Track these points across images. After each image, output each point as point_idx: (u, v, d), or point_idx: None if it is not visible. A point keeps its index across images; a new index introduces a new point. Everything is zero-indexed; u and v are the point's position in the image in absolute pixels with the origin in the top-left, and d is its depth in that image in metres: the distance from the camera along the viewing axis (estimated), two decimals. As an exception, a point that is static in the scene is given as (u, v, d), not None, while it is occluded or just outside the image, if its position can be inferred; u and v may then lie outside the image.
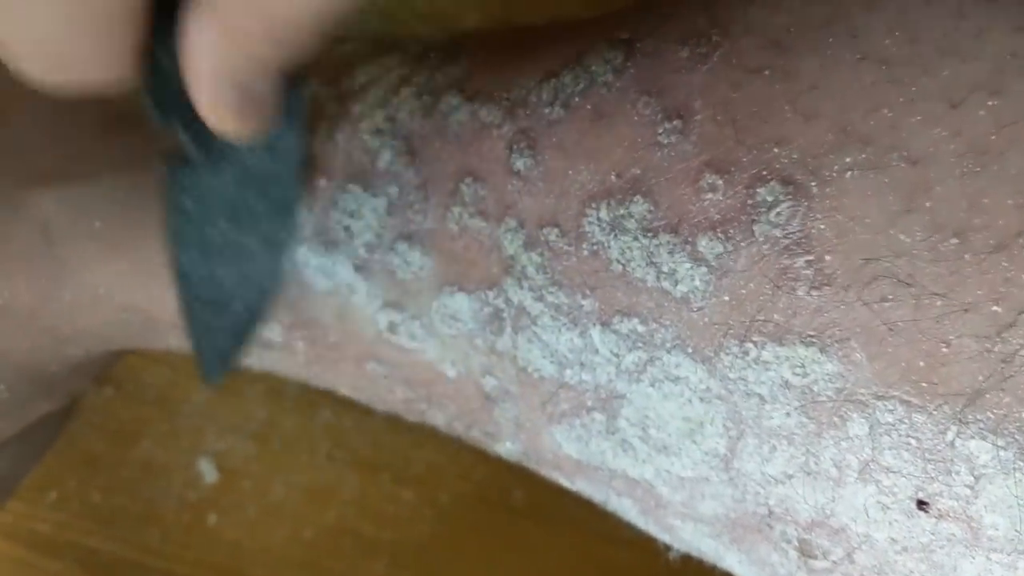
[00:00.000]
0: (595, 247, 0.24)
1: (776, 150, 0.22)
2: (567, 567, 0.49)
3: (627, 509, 0.27)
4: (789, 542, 0.24)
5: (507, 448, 0.29)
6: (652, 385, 0.24)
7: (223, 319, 0.30)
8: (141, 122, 0.32)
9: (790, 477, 0.23)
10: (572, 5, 0.42)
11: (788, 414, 0.22)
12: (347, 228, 0.28)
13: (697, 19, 0.25)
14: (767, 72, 0.23)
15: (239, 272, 0.29)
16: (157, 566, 0.43)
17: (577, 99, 0.25)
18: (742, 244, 0.22)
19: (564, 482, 0.28)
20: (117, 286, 0.31)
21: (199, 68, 0.21)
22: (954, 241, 0.20)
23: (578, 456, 0.27)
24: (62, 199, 0.31)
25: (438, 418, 0.30)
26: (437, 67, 0.29)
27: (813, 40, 0.23)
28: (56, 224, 0.30)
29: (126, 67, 0.21)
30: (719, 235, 0.23)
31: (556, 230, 0.25)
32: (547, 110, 0.25)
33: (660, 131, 0.24)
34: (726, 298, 0.23)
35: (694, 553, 0.27)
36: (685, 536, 0.26)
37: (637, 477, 0.26)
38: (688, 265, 0.23)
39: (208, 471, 0.44)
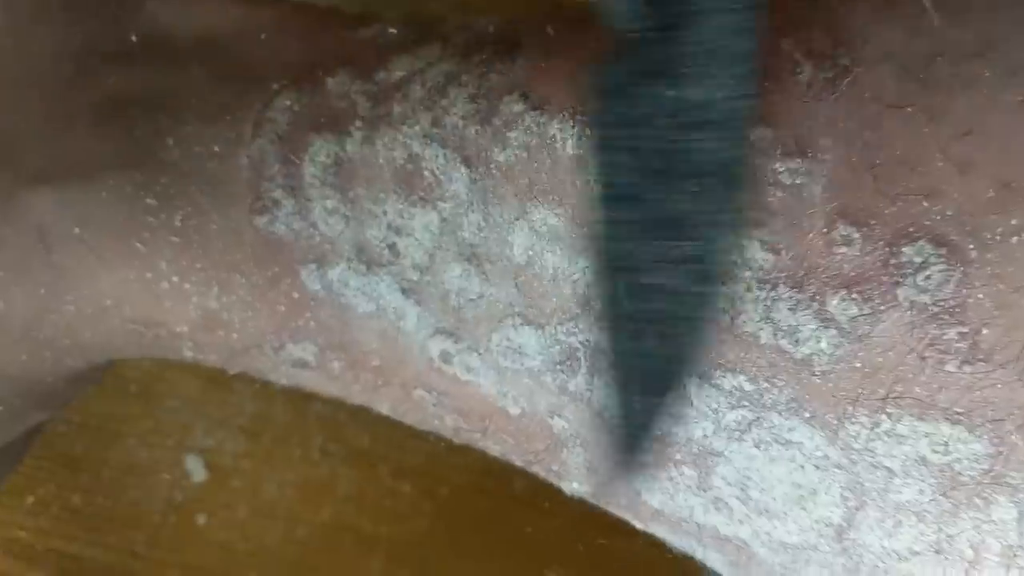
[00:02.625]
0: None
1: (925, 204, 0.20)
2: (569, 557, 0.47)
3: (713, 560, 0.25)
4: (906, 615, 0.22)
5: (573, 487, 0.27)
6: (757, 447, 0.22)
7: (655, 348, 0.20)
8: (146, 111, 0.29)
9: (916, 554, 0.21)
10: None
11: (921, 491, 0.21)
12: (392, 246, 0.26)
13: (813, 32, 0.22)
14: (910, 110, 0.20)
15: (679, 257, 0.19)
16: (144, 571, 0.41)
17: None
18: (882, 308, 0.20)
19: (638, 525, 0.26)
20: (125, 297, 0.28)
21: None
22: None
23: (660, 507, 0.25)
24: (59, 201, 0.27)
25: (493, 449, 0.28)
26: (490, 65, 0.26)
27: (964, 74, 0.20)
28: (54, 229, 0.27)
29: None
30: (854, 296, 0.20)
31: None
32: None
33: (781, 168, 0.21)
34: (858, 365, 0.21)
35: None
36: (779, 592, 0.25)
37: (730, 535, 0.24)
38: (813, 325, 0.21)
39: (196, 469, 0.42)
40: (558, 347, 0.24)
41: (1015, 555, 0.20)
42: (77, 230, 0.27)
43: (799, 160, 0.21)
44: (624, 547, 0.47)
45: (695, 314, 0.20)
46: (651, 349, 0.20)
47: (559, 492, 0.44)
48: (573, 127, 0.23)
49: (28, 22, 0.30)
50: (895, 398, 0.20)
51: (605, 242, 0.19)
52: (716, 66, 0.19)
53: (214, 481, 0.41)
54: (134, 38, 0.30)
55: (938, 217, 0.20)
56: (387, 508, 0.43)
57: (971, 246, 0.20)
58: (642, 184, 0.19)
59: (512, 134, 0.24)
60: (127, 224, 0.27)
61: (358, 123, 0.26)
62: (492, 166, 0.24)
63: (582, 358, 0.24)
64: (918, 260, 0.20)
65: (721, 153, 0.19)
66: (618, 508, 0.26)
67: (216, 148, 0.28)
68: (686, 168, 0.19)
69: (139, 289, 0.27)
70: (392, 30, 0.30)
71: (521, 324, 0.25)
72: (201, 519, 0.41)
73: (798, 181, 0.21)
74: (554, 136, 0.24)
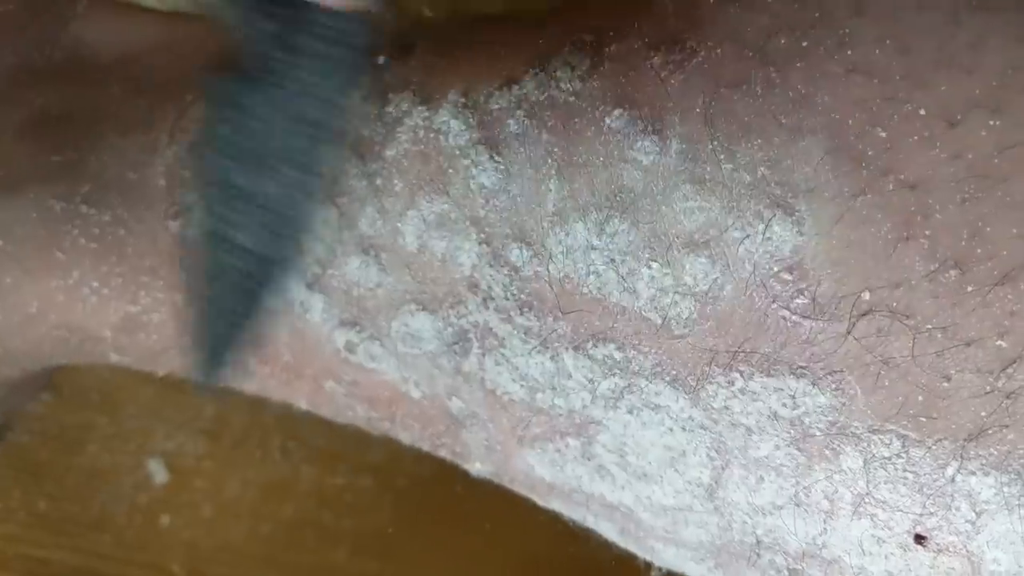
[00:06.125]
0: (567, 268, 0.23)
1: (763, 170, 0.21)
2: (526, 538, 0.48)
3: (606, 530, 0.26)
4: (779, 571, 0.23)
5: (477, 468, 0.28)
6: (630, 412, 0.23)
7: (234, 289, 0.24)
8: (69, 125, 0.30)
9: (779, 508, 0.22)
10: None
11: (777, 446, 0.21)
12: (296, 242, 0.27)
13: (667, 20, 0.23)
14: (750, 82, 0.21)
15: (263, 225, 0.24)
16: (111, 572, 0.41)
17: (542, 109, 0.23)
18: (729, 269, 0.21)
19: (539, 501, 0.27)
20: (50, 305, 0.29)
21: None
22: (955, 272, 0.19)
23: (552, 480, 0.26)
24: None
25: (402, 436, 0.29)
26: (386, 66, 0.27)
27: (798, 47, 0.21)
28: None
29: None
30: (703, 259, 0.21)
31: (525, 249, 0.23)
32: (510, 120, 0.24)
33: (636, 145, 0.22)
34: (711, 325, 0.21)
35: (676, 571, 0.26)
36: (667, 558, 0.25)
37: (615, 502, 0.25)
38: (671, 290, 0.22)
39: (158, 472, 0.42)
40: (450, 330, 0.25)
41: (863, 502, 0.21)
42: (0, 242, 0.28)
43: (653, 137, 0.22)
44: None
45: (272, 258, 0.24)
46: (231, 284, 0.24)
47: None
48: (457, 119, 0.25)
49: None
50: (745, 356, 0.21)
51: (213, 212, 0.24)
52: (319, 75, 0.22)
53: (177, 483, 0.42)
54: (58, 57, 0.31)
55: (775, 181, 0.21)
56: (348, 502, 0.44)
57: (805, 207, 0.20)
58: (241, 171, 0.23)
59: (401, 129, 0.25)
60: (49, 235, 0.28)
61: None
62: (384, 161, 0.25)
63: (473, 339, 0.25)
64: (759, 223, 0.21)
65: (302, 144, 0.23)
66: (519, 486, 0.27)
67: (134, 158, 0.29)
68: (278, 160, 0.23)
69: (62, 296, 0.28)
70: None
71: (417, 310, 0.25)
72: (165, 520, 0.42)
73: (651, 157, 0.22)
74: (439, 128, 0.25)
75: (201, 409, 0.43)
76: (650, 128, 0.22)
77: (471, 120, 0.24)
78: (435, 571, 0.45)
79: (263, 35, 0.22)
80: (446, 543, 0.45)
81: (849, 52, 0.21)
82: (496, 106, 0.24)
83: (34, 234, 0.28)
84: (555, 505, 0.27)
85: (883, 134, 0.20)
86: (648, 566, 0.26)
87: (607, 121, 0.22)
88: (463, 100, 0.25)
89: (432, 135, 0.25)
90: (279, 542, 0.43)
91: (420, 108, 0.25)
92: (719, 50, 0.22)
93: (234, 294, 0.24)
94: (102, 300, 0.28)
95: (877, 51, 0.21)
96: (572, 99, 0.23)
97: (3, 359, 0.30)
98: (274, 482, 0.43)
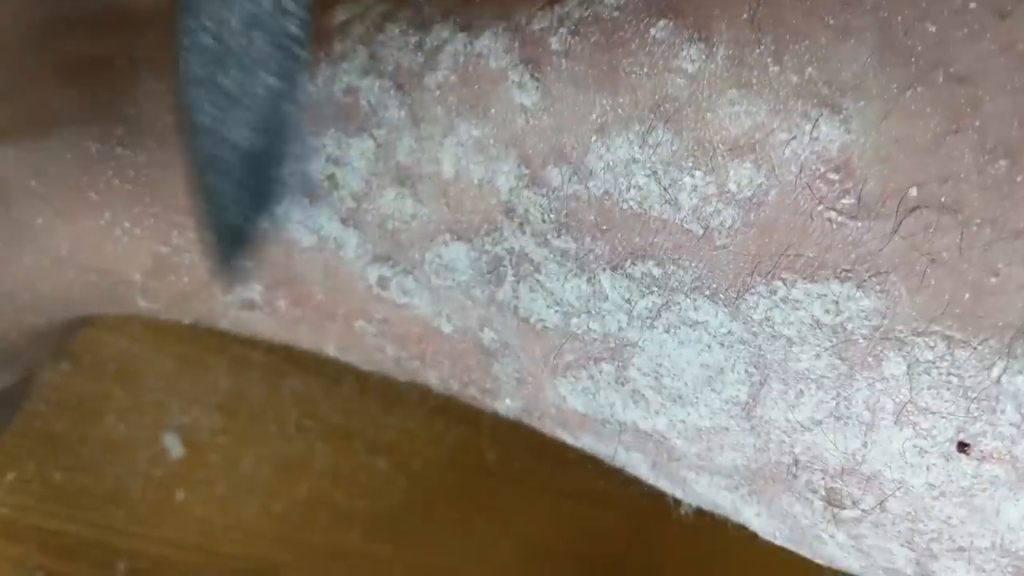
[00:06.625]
0: (607, 184, 0.23)
1: (811, 70, 0.21)
2: (541, 527, 0.48)
3: (636, 464, 0.26)
4: (815, 492, 0.23)
5: (506, 405, 0.27)
6: (667, 331, 0.23)
7: (236, 185, 0.26)
8: (104, 69, 0.30)
9: (818, 423, 0.22)
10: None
11: (818, 355, 0.21)
12: (331, 177, 0.27)
13: None
14: None
15: (250, 125, 0.26)
16: (124, 546, 0.41)
17: (586, 25, 0.23)
18: (774, 172, 0.21)
19: (568, 439, 0.27)
20: (82, 246, 0.29)
21: None
22: (1004, 163, 0.19)
23: (584, 410, 0.25)
24: (17, 156, 0.28)
25: (431, 377, 0.28)
26: (425, 1, 0.27)
27: None
28: (12, 183, 0.28)
29: None
30: (748, 163, 0.21)
31: (565, 168, 0.23)
32: (552, 39, 0.24)
33: (681, 54, 0.22)
34: (754, 232, 0.21)
35: (707, 507, 0.26)
36: (699, 490, 0.25)
37: (649, 430, 0.24)
38: (714, 198, 0.22)
39: (174, 446, 0.42)
40: (485, 258, 0.25)
41: (905, 410, 0.21)
42: (34, 183, 0.28)
43: (699, 44, 0.22)
44: (594, 515, 0.47)
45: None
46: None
47: (529, 462, 0.45)
48: (498, 42, 0.25)
49: None
50: (788, 262, 0.21)
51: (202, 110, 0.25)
52: None
53: (191, 457, 0.42)
54: (93, 7, 0.32)
55: (824, 80, 0.21)
56: (362, 483, 0.44)
57: (853, 105, 0.20)
58: (225, 73, 0.25)
59: (441, 56, 0.26)
60: (82, 175, 0.28)
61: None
62: (423, 89, 0.26)
63: (508, 265, 0.25)
64: (806, 123, 0.21)
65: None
66: (548, 422, 0.27)
67: (170, 101, 0.29)
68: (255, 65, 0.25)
69: (94, 238, 0.28)
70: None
71: (451, 240, 0.25)
72: (180, 495, 0.42)
73: (697, 65, 0.22)
74: (480, 52, 0.25)
75: (217, 383, 0.43)
76: (696, 36, 0.22)
77: (513, 42, 0.24)
78: (447, 555, 0.45)
79: None
80: (458, 528, 0.45)
81: None
82: (539, 26, 0.24)
83: (68, 175, 0.28)
84: (585, 441, 0.27)
85: (932, 28, 0.20)
86: (677, 503, 0.26)
87: (652, 32, 0.22)
88: (504, 24, 0.25)
89: (473, 59, 0.25)
90: (292, 521, 0.43)
91: (461, 35, 0.25)
92: None
93: (232, 187, 0.26)
94: (134, 241, 0.28)
95: None
96: (616, 14, 0.23)
97: (31, 306, 0.30)
98: (289, 459, 0.43)
